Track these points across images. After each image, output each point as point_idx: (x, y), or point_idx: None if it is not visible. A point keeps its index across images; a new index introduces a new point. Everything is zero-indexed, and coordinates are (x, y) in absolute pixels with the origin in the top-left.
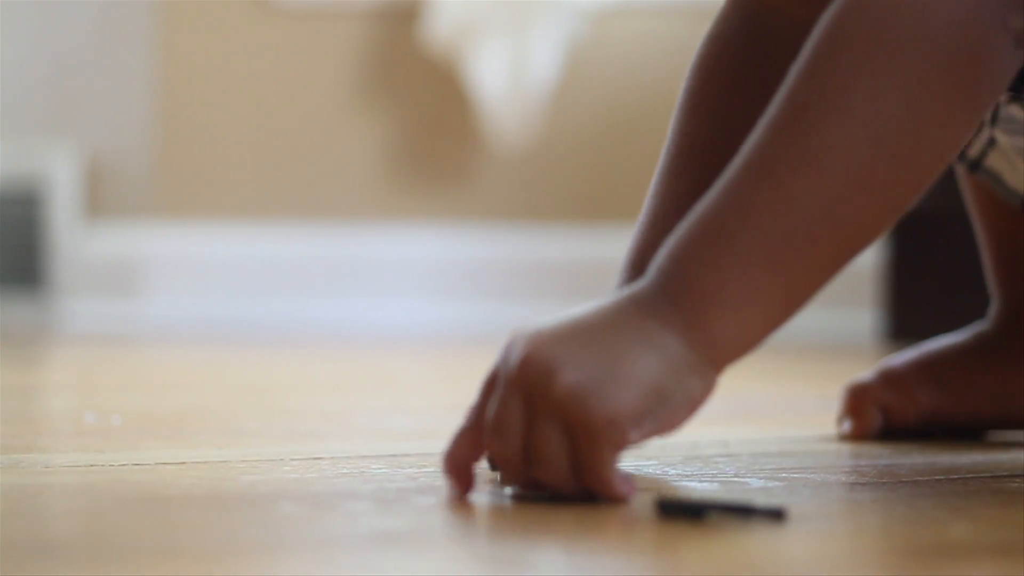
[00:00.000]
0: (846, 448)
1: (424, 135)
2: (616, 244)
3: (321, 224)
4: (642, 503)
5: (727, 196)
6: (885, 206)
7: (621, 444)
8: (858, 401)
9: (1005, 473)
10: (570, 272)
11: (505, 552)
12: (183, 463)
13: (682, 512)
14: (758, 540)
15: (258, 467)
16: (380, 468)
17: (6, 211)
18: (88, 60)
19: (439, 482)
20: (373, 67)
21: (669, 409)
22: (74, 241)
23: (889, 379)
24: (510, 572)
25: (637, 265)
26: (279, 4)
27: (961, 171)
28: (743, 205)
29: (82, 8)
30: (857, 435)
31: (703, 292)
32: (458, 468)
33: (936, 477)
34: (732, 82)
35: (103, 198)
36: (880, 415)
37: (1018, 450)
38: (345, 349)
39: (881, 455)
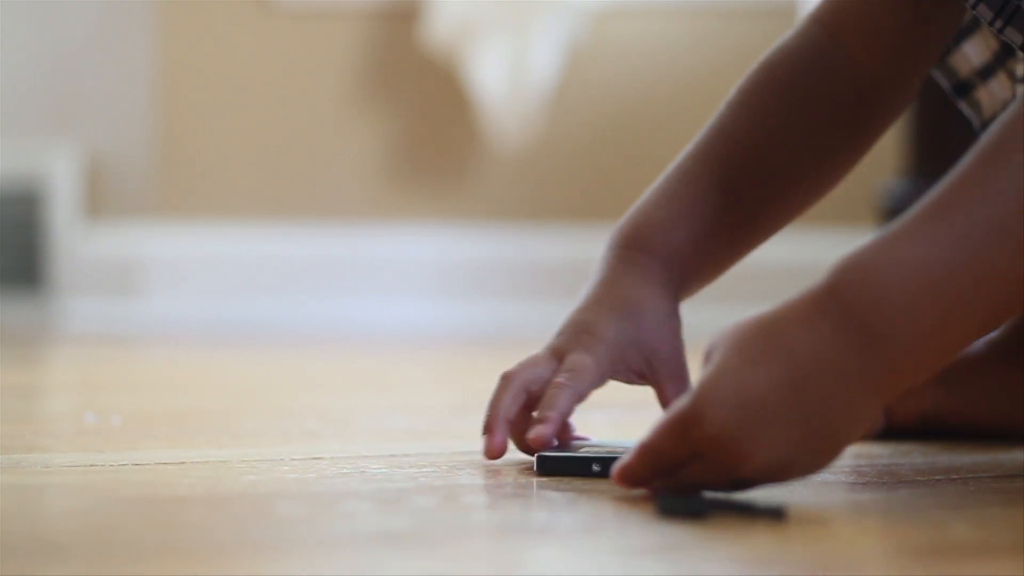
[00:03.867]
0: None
1: (424, 135)
2: None
3: (321, 224)
4: (641, 503)
5: (965, 250)
6: None
7: None
8: None
9: (1005, 473)
10: (570, 272)
11: (505, 552)
12: (183, 463)
13: (682, 512)
14: (758, 540)
15: (258, 467)
16: (380, 468)
17: (6, 211)
18: (88, 60)
19: (439, 482)
20: (373, 67)
21: None
22: (74, 241)
23: None
24: (510, 572)
25: (632, 239)
26: (279, 4)
27: None
28: (982, 265)
29: (82, 8)
30: None
31: (921, 355)
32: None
33: (936, 477)
34: (780, 94)
35: (103, 198)
36: (882, 414)
37: (1018, 450)
38: (345, 349)
39: (881, 455)
